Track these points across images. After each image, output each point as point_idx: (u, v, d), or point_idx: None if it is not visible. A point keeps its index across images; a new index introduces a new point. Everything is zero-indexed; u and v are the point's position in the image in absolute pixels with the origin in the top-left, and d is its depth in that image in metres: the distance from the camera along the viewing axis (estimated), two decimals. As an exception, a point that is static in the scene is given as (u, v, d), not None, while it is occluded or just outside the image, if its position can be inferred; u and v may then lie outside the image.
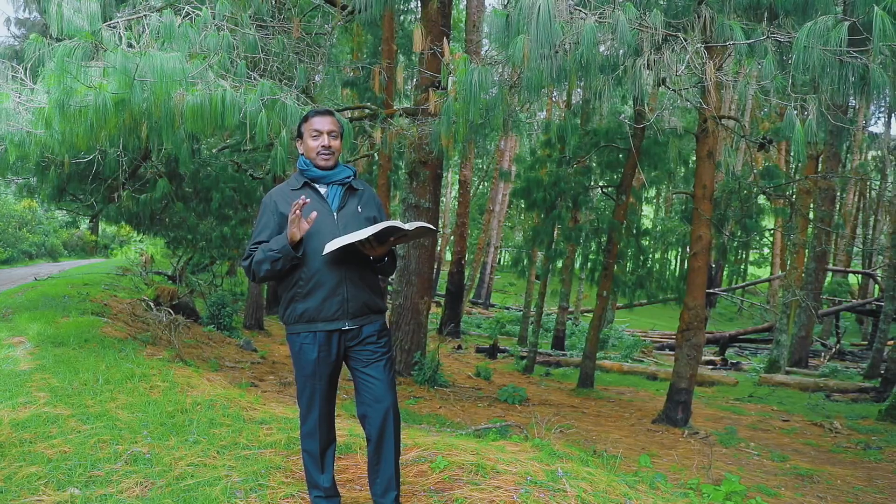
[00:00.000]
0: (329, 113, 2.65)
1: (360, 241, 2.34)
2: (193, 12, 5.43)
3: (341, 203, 2.57)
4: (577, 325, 24.38)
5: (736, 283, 36.70)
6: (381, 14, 4.31)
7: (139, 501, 2.87)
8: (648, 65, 3.11)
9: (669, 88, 4.42)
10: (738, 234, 9.84)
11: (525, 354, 15.36)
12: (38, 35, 4.24)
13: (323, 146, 2.56)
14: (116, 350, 6.35)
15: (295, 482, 2.97)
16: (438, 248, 34.38)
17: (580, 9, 3.10)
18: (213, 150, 9.57)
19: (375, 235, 2.34)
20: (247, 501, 2.77)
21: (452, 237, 23.66)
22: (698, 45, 3.11)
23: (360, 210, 2.59)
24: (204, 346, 10.16)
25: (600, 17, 2.99)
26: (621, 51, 3.01)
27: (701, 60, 3.09)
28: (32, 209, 26.54)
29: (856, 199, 32.74)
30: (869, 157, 29.30)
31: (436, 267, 35.03)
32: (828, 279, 30.65)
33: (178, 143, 4.66)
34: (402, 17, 18.65)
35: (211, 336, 11.53)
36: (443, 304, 22.11)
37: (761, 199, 11.85)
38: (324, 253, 2.40)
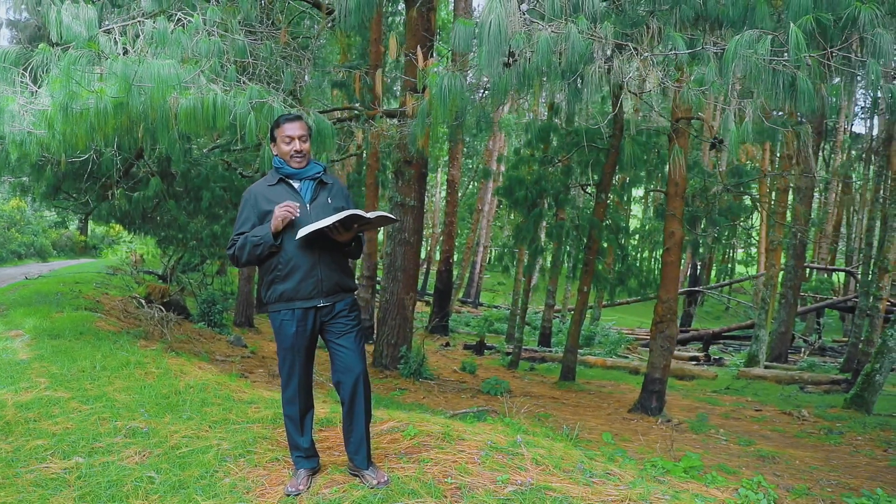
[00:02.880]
0: (298, 118, 2.96)
1: (327, 227, 2.68)
2: (185, 18, 5.72)
3: (313, 196, 2.90)
4: (564, 323, 24.73)
5: (724, 282, 37.23)
6: (359, 21, 4.60)
7: (139, 467, 3.17)
8: (603, 72, 3.44)
9: (631, 93, 4.76)
10: (706, 229, 10.21)
11: (511, 351, 15.69)
12: (46, 45, 4.52)
13: (295, 150, 2.88)
14: (111, 342, 6.62)
15: (280, 449, 3.28)
16: (428, 247, 34.70)
17: (537, 21, 3.44)
18: (204, 150, 9.83)
19: (340, 222, 2.67)
20: (236, 465, 3.08)
21: (441, 236, 23.95)
22: (646, 54, 3.46)
23: (329, 201, 2.91)
24: (195, 342, 10.41)
25: (555, 29, 3.32)
26: (574, 59, 3.34)
27: (647, 68, 3.44)
28: (21, 209, 26.59)
29: (837, 198, 33.37)
30: (849, 157, 29.87)
31: (425, 266, 35.36)
32: (815, 277, 31.26)
33: (171, 143, 4.95)
34: (389, 20, 18.96)
35: (201, 332, 11.76)
36: (431, 302, 22.41)
37: (736, 197, 12.26)
38: (296, 237, 2.73)
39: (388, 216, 2.81)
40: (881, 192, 16.11)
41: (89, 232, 31.01)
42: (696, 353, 20.08)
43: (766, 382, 14.38)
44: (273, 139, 2.97)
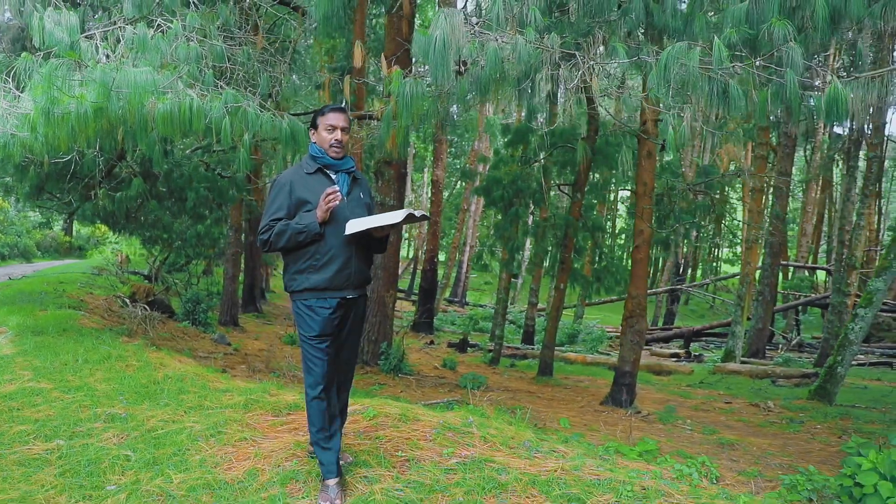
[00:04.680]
0: (342, 110, 2.97)
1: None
2: (165, 24, 5.94)
3: (349, 189, 2.94)
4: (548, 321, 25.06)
5: (706, 280, 37.75)
6: (332, 29, 4.84)
7: (116, 447, 3.41)
8: (551, 79, 3.72)
9: (588, 97, 5.04)
10: (672, 226, 10.54)
11: (492, 348, 15.97)
12: (28, 54, 4.74)
13: (336, 140, 2.89)
14: (94, 337, 6.81)
15: (249, 430, 3.52)
16: (415, 247, 34.90)
17: (487, 33, 3.71)
18: (187, 152, 10.03)
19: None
20: (207, 444, 3.32)
21: (426, 236, 24.19)
22: (591, 63, 3.74)
23: (361, 196, 2.98)
24: (178, 340, 10.59)
25: (505, 40, 3.59)
26: (521, 67, 3.61)
27: (590, 76, 3.72)
28: (4, 210, 26.52)
29: (816, 197, 34.00)
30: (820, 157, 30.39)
31: (412, 266, 35.55)
32: (795, 275, 31.80)
33: (150, 145, 5.17)
34: (373, 21, 19.18)
35: (185, 331, 11.93)
36: (416, 301, 22.66)
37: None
38: (346, 233, 2.77)
39: (427, 215, 2.90)
40: (852, 191, 16.57)
41: (74, 233, 30.97)
42: (678, 350, 20.46)
43: (740, 377, 14.76)
44: (315, 126, 2.97)
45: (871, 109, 3.23)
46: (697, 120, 4.69)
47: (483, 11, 3.70)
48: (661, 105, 4.00)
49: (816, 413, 9.33)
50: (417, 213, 2.78)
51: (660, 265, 37.25)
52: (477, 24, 3.78)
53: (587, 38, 3.92)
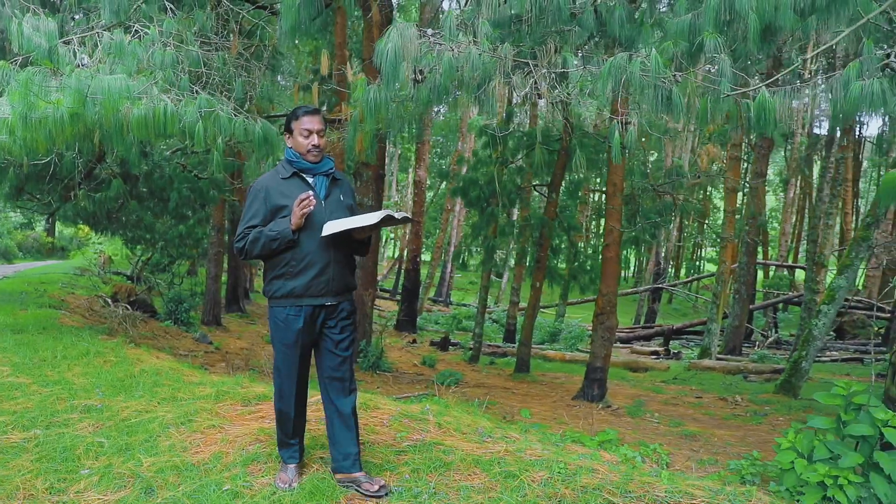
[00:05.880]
0: (317, 112, 2.89)
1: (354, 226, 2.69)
2: (143, 30, 6.11)
3: (327, 192, 2.85)
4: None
5: (686, 279, 38.27)
6: (301, 39, 5.05)
7: (91, 435, 3.60)
8: (507, 86, 3.97)
9: (549, 101, 5.30)
10: (639, 224, 10.85)
11: (472, 346, 16.22)
12: (5, 62, 4.90)
13: (313, 144, 2.80)
14: (74, 335, 6.96)
15: (218, 419, 3.73)
16: (400, 247, 35.08)
17: (443, 43, 3.94)
18: (168, 153, 10.17)
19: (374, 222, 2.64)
20: (177, 431, 3.52)
21: (409, 235, 24.40)
22: (543, 70, 3.98)
23: (342, 198, 2.89)
24: (160, 338, 10.72)
25: (460, 51, 3.83)
26: (473, 75, 3.85)
27: (541, 83, 3.96)
28: (-16, 211, 26.36)
29: (795, 197, 34.65)
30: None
31: (397, 266, 35.72)
32: (774, 273, 32.34)
33: (127, 148, 5.35)
34: (355, 23, 19.37)
35: (167, 330, 12.06)
36: (399, 300, 22.85)
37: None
38: (323, 234, 2.68)
39: (409, 217, 2.87)
40: (824, 191, 17.00)
41: (57, 233, 30.82)
42: (657, 348, 20.82)
43: (714, 373, 15.12)
44: (290, 131, 2.88)
45: (797, 116, 3.47)
46: (660, 125, 4.94)
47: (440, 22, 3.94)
48: (609, 110, 4.26)
49: (781, 406, 9.66)
50: (398, 215, 2.71)
51: (643, 265, 37.79)
52: (432, 35, 4.01)
53: (542, 48, 4.16)
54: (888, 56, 3.49)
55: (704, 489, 2.61)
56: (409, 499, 2.67)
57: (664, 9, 4.48)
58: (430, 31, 4.02)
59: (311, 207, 2.68)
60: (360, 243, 2.90)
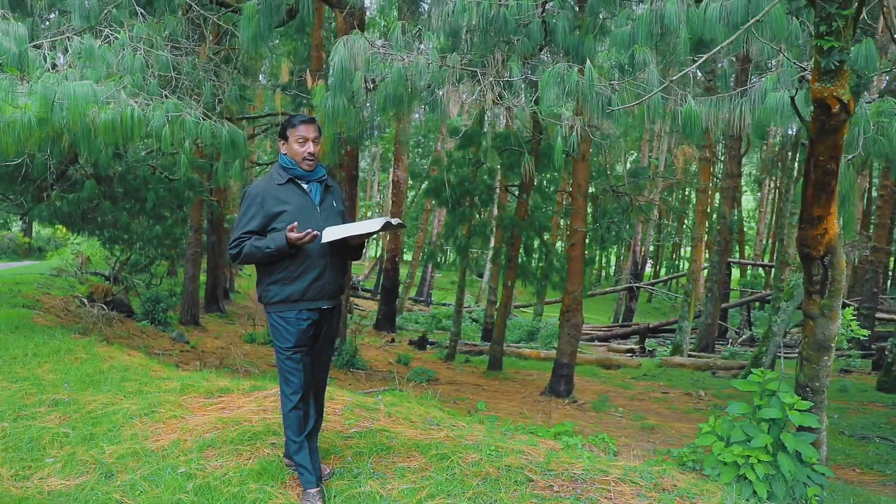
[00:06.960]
0: (312, 121, 2.96)
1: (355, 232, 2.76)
2: (112, 35, 6.25)
3: (321, 199, 2.93)
4: (510, 319, 25.67)
5: (662, 278, 38.85)
6: (256, 46, 5.23)
7: (57, 427, 3.77)
8: (456, 93, 4.20)
9: (506, 108, 5.56)
10: (604, 223, 11.17)
11: (448, 345, 16.46)
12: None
13: (309, 153, 2.87)
14: (46, 334, 7.06)
15: (180, 410, 3.92)
16: (382, 246, 35.22)
17: (393, 52, 4.17)
18: (142, 154, 10.28)
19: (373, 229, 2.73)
20: (140, 421, 3.71)
21: (388, 236, 24.60)
22: (490, 79, 4.24)
23: (334, 204, 2.98)
24: (136, 338, 10.81)
25: (410, 60, 4.06)
26: (422, 84, 4.09)
27: (493, 90, 4.21)
28: (-41, 211, 26.06)
29: (768, 196, 35.40)
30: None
31: (379, 266, 35.83)
32: (755, 273, 32.97)
33: (96, 151, 5.50)
34: (332, 24, 19.54)
35: (144, 330, 12.13)
36: (378, 300, 23.03)
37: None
38: (323, 241, 2.74)
39: (402, 224, 2.94)
40: (790, 191, 17.48)
41: (34, 234, 30.55)
42: (633, 346, 21.22)
43: (684, 370, 15.51)
44: (285, 138, 2.93)
45: (724, 125, 3.74)
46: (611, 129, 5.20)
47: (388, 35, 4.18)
48: (553, 116, 4.55)
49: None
50: (394, 222, 2.79)
51: (621, 263, 38.28)
52: (382, 46, 4.23)
53: (490, 57, 4.40)
54: (804, 69, 3.77)
55: (620, 467, 2.86)
56: (349, 479, 2.90)
57: (608, 18, 4.74)
58: (379, 42, 4.25)
59: (311, 241, 2.74)
60: (354, 248, 2.98)
